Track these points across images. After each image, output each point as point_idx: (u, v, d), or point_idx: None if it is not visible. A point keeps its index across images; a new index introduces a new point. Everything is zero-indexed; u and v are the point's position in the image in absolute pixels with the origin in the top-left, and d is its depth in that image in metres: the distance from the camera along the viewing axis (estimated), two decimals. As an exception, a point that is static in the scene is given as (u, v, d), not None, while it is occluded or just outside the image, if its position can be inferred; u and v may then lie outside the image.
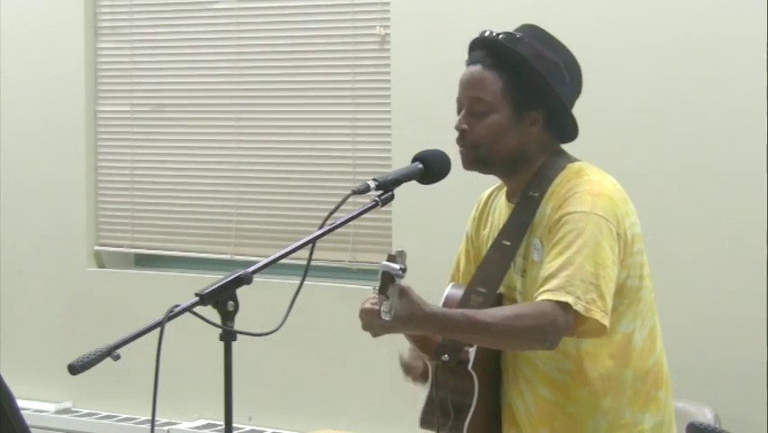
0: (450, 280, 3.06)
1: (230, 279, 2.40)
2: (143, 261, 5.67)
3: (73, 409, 5.55)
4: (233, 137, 5.30)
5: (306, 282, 2.53)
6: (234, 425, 2.45)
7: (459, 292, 2.91)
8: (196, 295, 2.37)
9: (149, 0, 5.48)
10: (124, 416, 5.39)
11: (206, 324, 2.40)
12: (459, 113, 2.87)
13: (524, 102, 2.82)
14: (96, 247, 5.62)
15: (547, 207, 2.79)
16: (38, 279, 5.68)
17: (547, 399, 2.84)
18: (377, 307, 2.56)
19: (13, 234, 5.70)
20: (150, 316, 2.36)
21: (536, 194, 2.82)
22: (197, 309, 2.37)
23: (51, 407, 5.52)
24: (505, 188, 2.95)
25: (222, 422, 2.43)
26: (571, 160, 2.88)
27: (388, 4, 4.90)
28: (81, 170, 5.57)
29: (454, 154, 2.83)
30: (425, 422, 2.90)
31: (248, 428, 5.11)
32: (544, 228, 2.78)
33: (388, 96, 4.90)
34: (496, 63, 2.82)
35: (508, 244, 2.85)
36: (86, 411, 5.50)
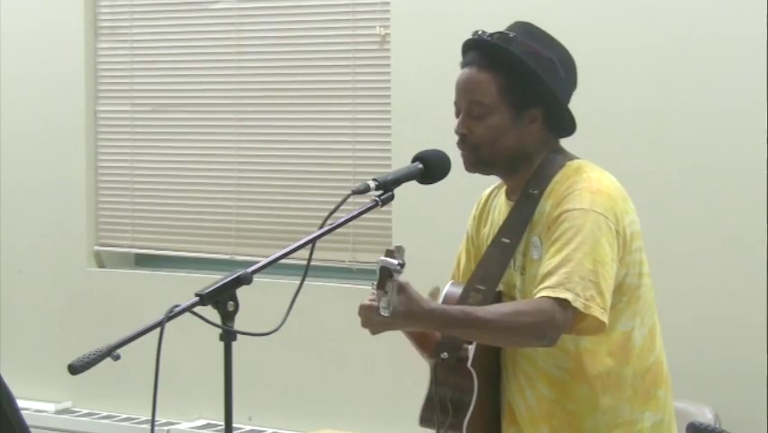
0: (450, 280, 3.06)
1: (230, 279, 2.40)
2: (143, 261, 5.67)
3: (73, 409, 5.54)
4: (233, 137, 5.30)
5: (306, 282, 2.53)
6: (234, 425, 2.45)
7: (458, 290, 2.90)
8: (196, 295, 2.37)
9: (149, 0, 5.48)
10: (124, 416, 5.39)
11: (206, 324, 2.40)
12: (457, 116, 2.86)
13: (521, 101, 2.81)
14: (96, 247, 5.62)
15: (546, 205, 2.79)
16: (38, 279, 5.67)
17: (546, 396, 2.84)
18: (375, 303, 2.56)
19: (13, 234, 5.70)
20: (150, 316, 2.36)
21: (536, 192, 2.82)
22: (197, 309, 2.37)
23: (51, 407, 5.51)
24: (505, 187, 2.95)
25: (222, 422, 2.43)
26: (571, 157, 2.88)
27: (388, 4, 4.90)
28: (81, 170, 5.57)
29: (454, 154, 2.83)
30: (424, 420, 2.90)
31: (248, 428, 5.10)
32: (543, 226, 2.78)
33: (388, 96, 4.89)
34: (491, 64, 2.82)
35: (508, 241, 2.84)
36: (86, 411, 5.50)
